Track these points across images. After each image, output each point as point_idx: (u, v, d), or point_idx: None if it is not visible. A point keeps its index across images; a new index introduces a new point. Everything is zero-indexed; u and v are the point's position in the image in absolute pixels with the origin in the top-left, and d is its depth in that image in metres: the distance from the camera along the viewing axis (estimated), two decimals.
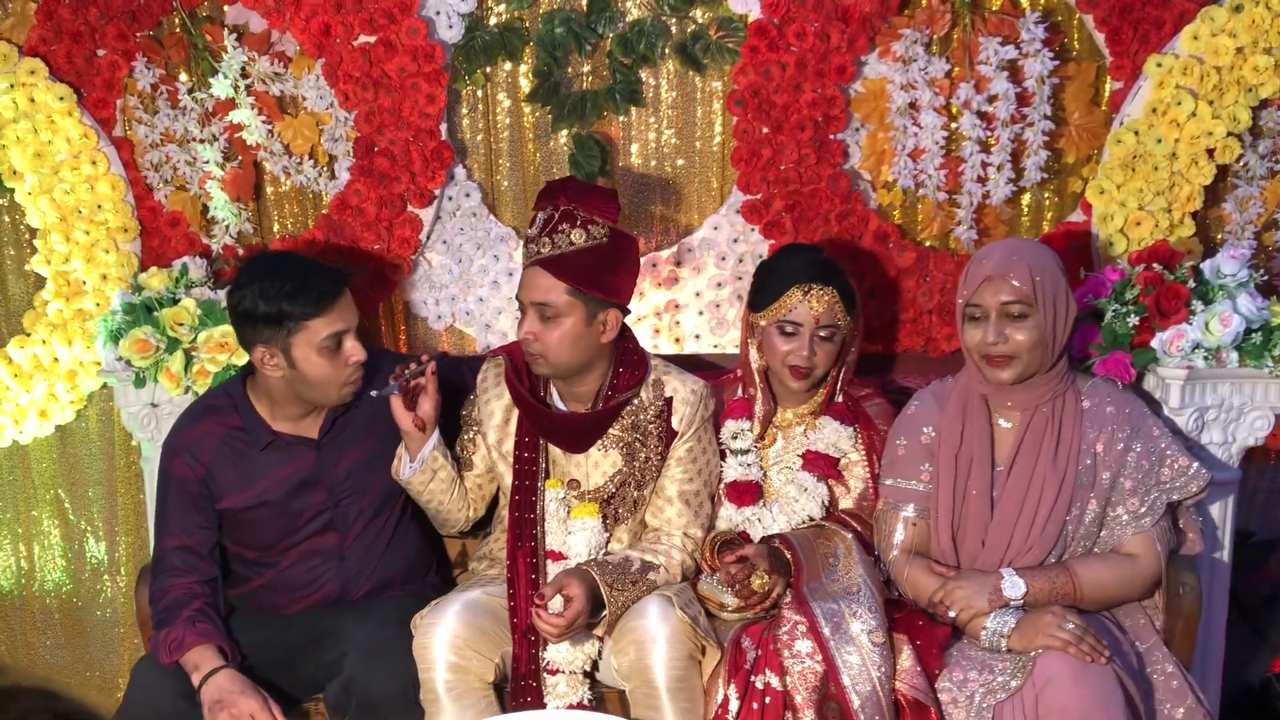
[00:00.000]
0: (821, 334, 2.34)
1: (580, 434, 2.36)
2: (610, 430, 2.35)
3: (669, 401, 2.37)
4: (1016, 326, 2.22)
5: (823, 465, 2.40)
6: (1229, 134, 2.71)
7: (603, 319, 2.30)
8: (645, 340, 2.96)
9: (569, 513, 2.35)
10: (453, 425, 2.49)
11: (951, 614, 2.20)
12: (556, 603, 2.14)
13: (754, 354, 2.44)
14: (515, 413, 2.40)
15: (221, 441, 2.35)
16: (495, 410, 2.42)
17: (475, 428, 2.46)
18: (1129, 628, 2.27)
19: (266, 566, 2.41)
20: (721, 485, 2.43)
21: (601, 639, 2.27)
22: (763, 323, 2.39)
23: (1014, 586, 2.18)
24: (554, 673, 2.24)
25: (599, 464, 2.38)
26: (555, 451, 2.40)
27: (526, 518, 2.35)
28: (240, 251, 2.88)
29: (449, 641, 2.19)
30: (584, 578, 2.18)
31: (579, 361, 2.31)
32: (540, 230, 2.27)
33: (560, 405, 2.40)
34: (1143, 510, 2.25)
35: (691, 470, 2.38)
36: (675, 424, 2.36)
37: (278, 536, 2.38)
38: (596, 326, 2.30)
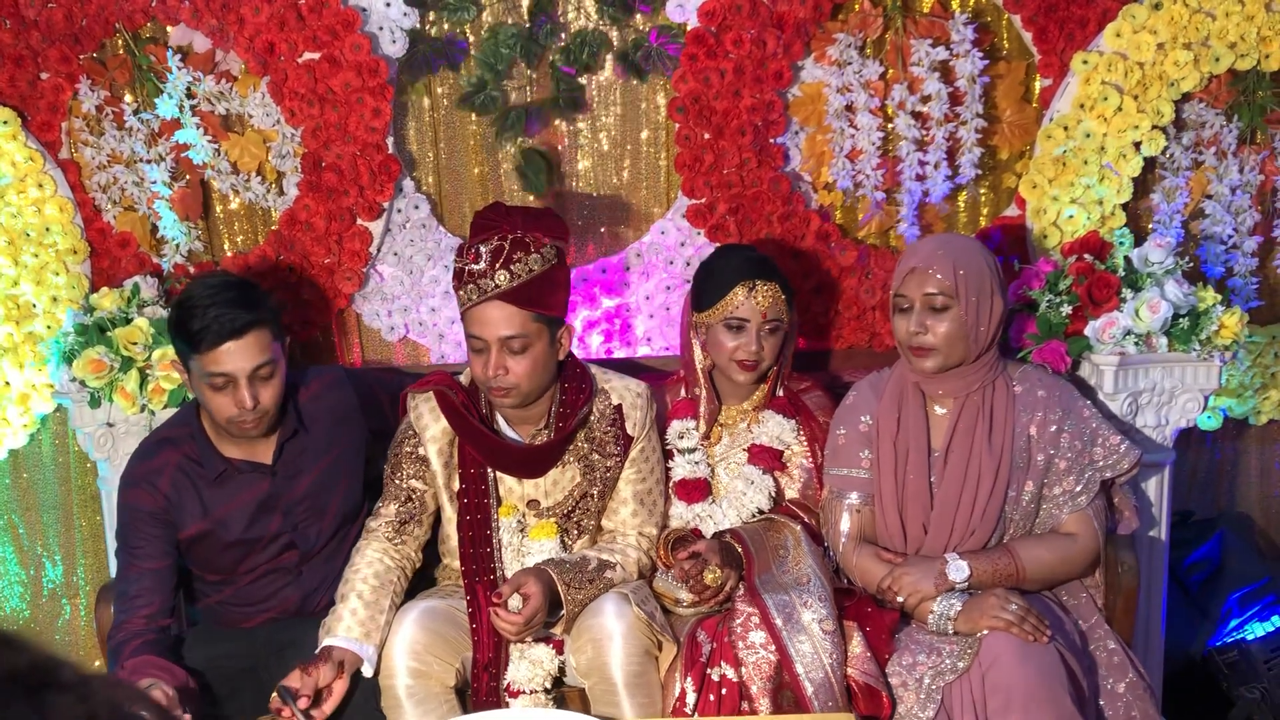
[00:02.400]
0: (768, 327, 2.40)
1: (541, 461, 2.34)
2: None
3: (619, 409, 2.38)
4: (938, 318, 2.29)
5: (767, 458, 2.46)
6: (1154, 127, 2.80)
7: (559, 336, 2.31)
8: (598, 346, 3.01)
9: (526, 533, 2.35)
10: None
11: (900, 599, 2.26)
12: (515, 601, 2.17)
13: (698, 353, 2.50)
14: (454, 446, 2.35)
15: (178, 470, 2.36)
16: (431, 447, 2.36)
17: (421, 465, 2.36)
18: (1071, 606, 2.35)
19: (226, 584, 2.43)
20: (671, 484, 2.48)
21: (560, 651, 2.28)
22: (709, 321, 2.44)
23: (958, 570, 2.25)
24: (515, 694, 2.24)
25: (558, 481, 2.37)
26: (506, 476, 2.38)
27: (482, 551, 2.32)
28: (191, 270, 2.89)
29: (409, 648, 2.20)
30: (541, 576, 2.21)
31: (545, 385, 2.31)
32: (492, 263, 2.20)
33: (509, 432, 2.38)
34: (1078, 489, 2.32)
35: (644, 470, 2.41)
36: (630, 429, 2.38)
37: (237, 560, 2.40)
38: (556, 346, 2.30)
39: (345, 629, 2.23)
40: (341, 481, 2.44)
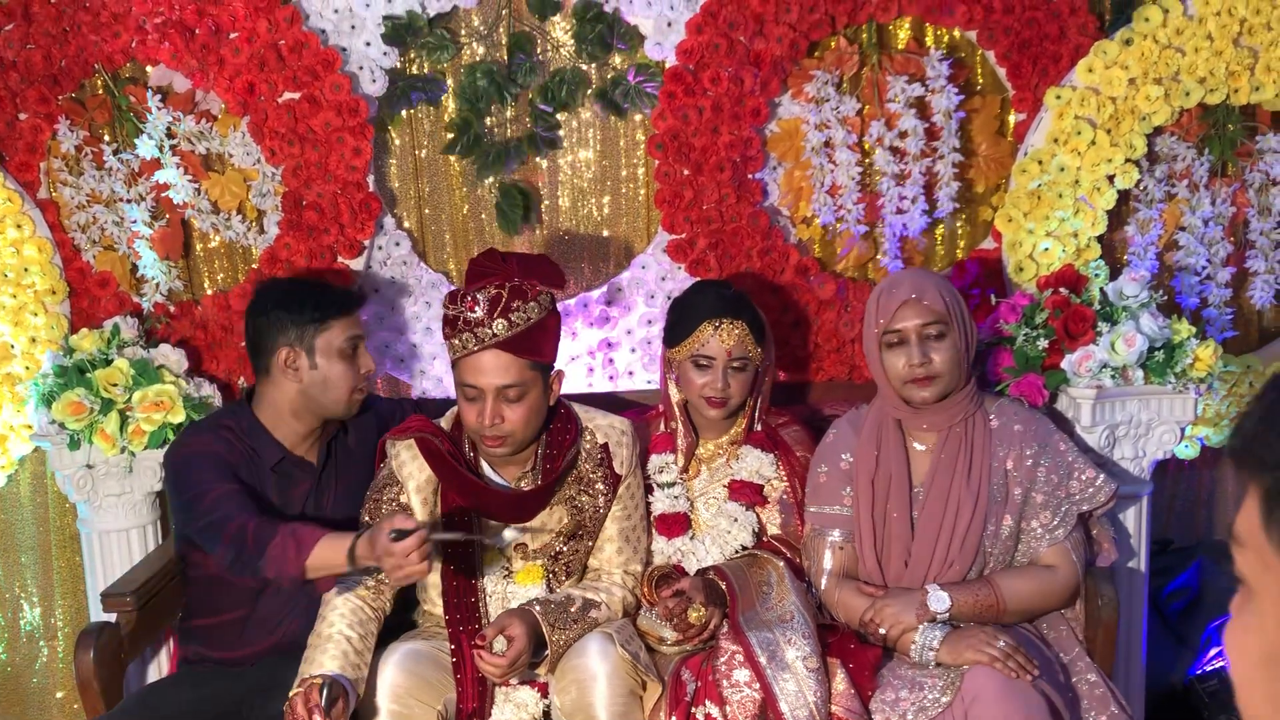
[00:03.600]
0: (735, 365, 2.41)
1: (530, 506, 2.32)
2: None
3: (605, 447, 2.37)
4: (936, 347, 2.31)
5: (748, 493, 2.47)
6: (1127, 160, 2.84)
7: (551, 382, 2.31)
8: (581, 379, 3.02)
9: (511, 578, 2.34)
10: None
11: (882, 631, 2.27)
12: (499, 643, 2.16)
13: (673, 389, 2.51)
14: (438, 493, 2.32)
15: (242, 449, 2.39)
16: (415, 495, 2.32)
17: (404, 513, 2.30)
18: (1052, 639, 2.36)
19: (245, 603, 2.40)
20: (650, 519, 2.49)
21: (545, 694, 2.26)
22: (678, 358, 2.46)
23: (939, 600, 2.26)
24: None
25: (545, 523, 2.36)
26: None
27: (467, 600, 2.30)
28: (171, 309, 2.89)
29: (390, 691, 2.19)
30: (525, 617, 2.20)
31: (538, 431, 2.31)
32: (490, 312, 2.18)
33: (494, 476, 2.36)
34: (1055, 523, 2.34)
35: (630, 506, 2.41)
36: (617, 468, 2.37)
37: None
38: (548, 391, 2.30)
39: (339, 667, 2.18)
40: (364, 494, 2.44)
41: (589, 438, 2.38)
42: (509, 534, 2.15)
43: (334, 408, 2.43)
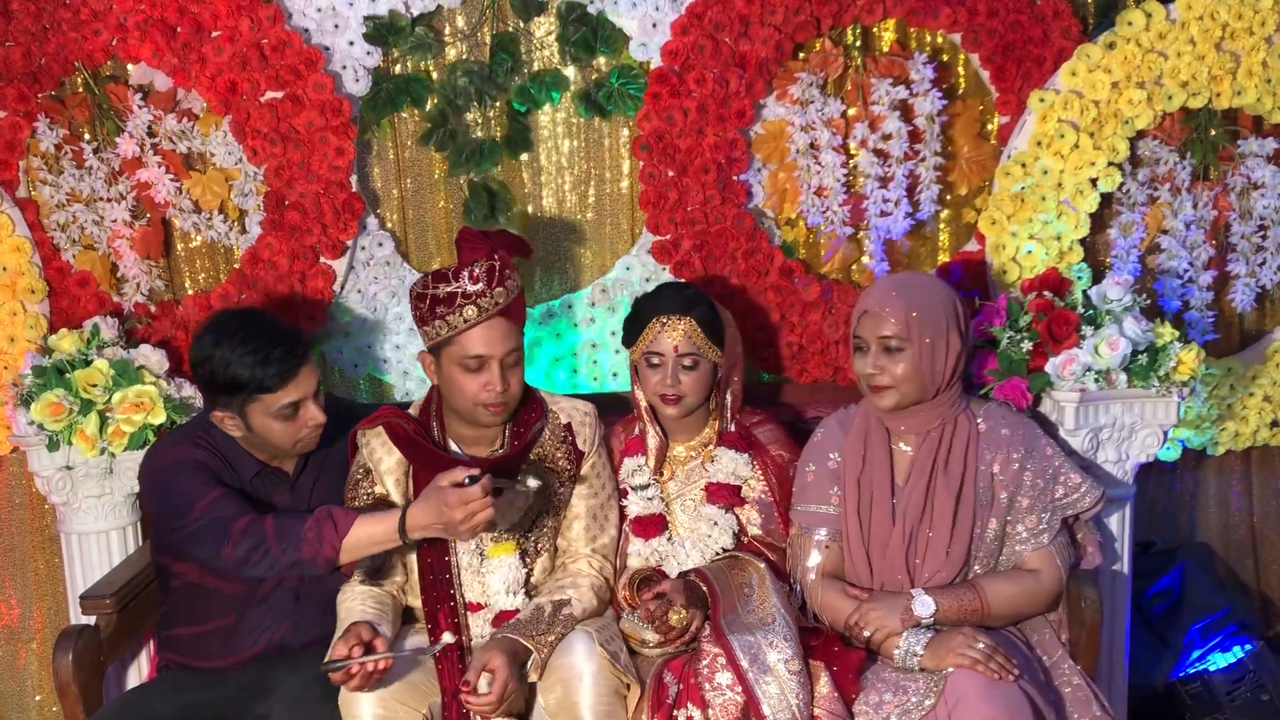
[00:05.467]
0: (685, 363, 2.42)
1: (499, 473, 2.34)
2: (521, 466, 2.38)
3: (568, 427, 2.44)
4: (892, 359, 2.32)
5: (726, 495, 2.47)
6: (1110, 164, 2.85)
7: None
8: (566, 380, 3.01)
9: (484, 554, 2.37)
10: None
11: (866, 634, 2.27)
12: (483, 683, 2.15)
13: (639, 389, 2.52)
14: (408, 476, 2.38)
15: (221, 459, 2.36)
16: (388, 479, 2.38)
17: (380, 503, 2.36)
18: (1035, 642, 2.36)
19: (231, 610, 2.38)
20: (627, 522, 2.49)
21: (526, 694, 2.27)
22: (634, 358, 2.48)
23: (924, 605, 2.26)
24: None
25: (513, 502, 2.39)
26: None
27: (442, 578, 2.35)
28: (152, 309, 2.87)
29: (377, 700, 2.17)
30: (502, 645, 2.20)
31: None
32: (489, 282, 2.27)
33: (462, 455, 2.40)
34: (1040, 527, 2.35)
35: (596, 485, 2.45)
36: (580, 445, 2.44)
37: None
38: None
39: (361, 613, 2.24)
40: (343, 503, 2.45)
41: (553, 418, 2.44)
42: (532, 481, 2.23)
43: (278, 454, 2.38)
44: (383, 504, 2.37)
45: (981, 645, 2.16)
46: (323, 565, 2.22)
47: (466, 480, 2.12)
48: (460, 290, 2.28)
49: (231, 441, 2.38)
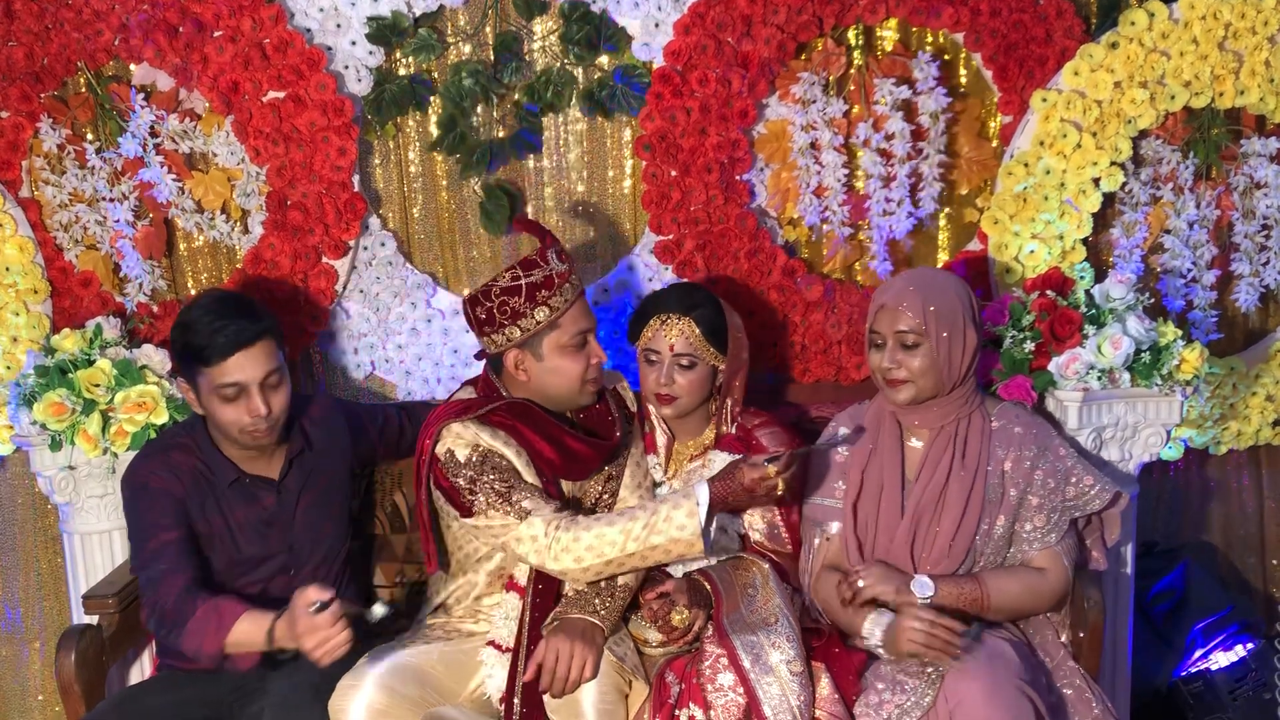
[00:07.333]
0: (681, 363, 2.42)
1: (604, 459, 2.41)
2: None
3: (615, 392, 2.51)
4: (910, 354, 2.32)
5: None
6: (1112, 163, 2.85)
7: None
8: None
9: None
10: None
11: (860, 584, 2.25)
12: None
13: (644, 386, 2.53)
14: (530, 464, 2.32)
15: (194, 472, 2.36)
16: (517, 459, 2.31)
17: (516, 475, 2.30)
18: (1038, 644, 2.36)
19: None
20: None
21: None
22: (637, 354, 2.48)
23: (923, 586, 2.24)
24: None
25: (595, 478, 2.44)
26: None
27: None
28: (154, 309, 2.87)
29: (366, 709, 2.14)
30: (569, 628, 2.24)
31: None
32: (571, 263, 2.34)
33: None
34: (1048, 527, 2.34)
35: (637, 452, 2.50)
36: (630, 405, 2.53)
37: (234, 576, 2.37)
38: None
39: None
40: (334, 507, 2.46)
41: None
42: (378, 609, 2.11)
43: (235, 442, 2.34)
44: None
45: (917, 624, 2.14)
46: (207, 660, 2.18)
47: (317, 606, 2.03)
48: (553, 273, 2.30)
49: (211, 446, 2.36)
